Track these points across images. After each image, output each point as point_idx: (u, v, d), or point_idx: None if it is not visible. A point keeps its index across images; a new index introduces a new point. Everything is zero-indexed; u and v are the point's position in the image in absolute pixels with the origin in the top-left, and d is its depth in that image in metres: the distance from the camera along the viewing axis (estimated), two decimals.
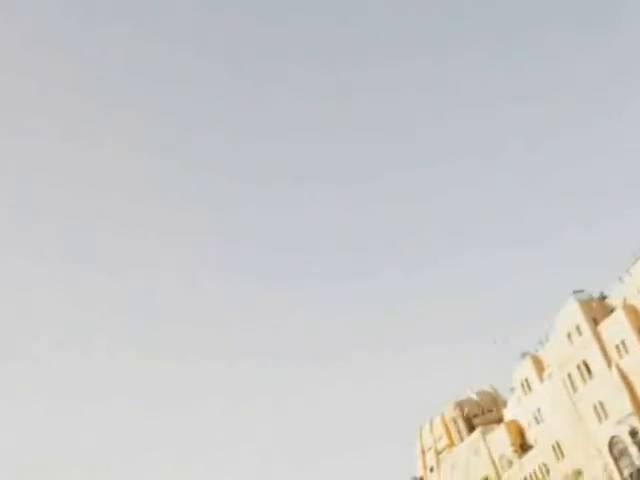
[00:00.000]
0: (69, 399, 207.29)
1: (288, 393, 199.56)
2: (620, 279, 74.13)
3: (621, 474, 70.30)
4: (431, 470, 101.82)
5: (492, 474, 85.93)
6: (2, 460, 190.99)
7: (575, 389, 74.75)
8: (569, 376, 75.39)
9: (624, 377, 69.30)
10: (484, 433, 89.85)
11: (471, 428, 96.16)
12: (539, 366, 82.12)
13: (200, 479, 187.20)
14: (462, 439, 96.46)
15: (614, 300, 74.18)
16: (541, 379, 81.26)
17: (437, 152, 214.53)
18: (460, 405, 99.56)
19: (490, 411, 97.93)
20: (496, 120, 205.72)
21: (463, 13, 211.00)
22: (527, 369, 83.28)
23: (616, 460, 70.87)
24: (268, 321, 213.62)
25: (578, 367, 74.13)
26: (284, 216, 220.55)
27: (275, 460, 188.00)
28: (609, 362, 70.83)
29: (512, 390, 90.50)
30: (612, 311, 72.48)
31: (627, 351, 69.25)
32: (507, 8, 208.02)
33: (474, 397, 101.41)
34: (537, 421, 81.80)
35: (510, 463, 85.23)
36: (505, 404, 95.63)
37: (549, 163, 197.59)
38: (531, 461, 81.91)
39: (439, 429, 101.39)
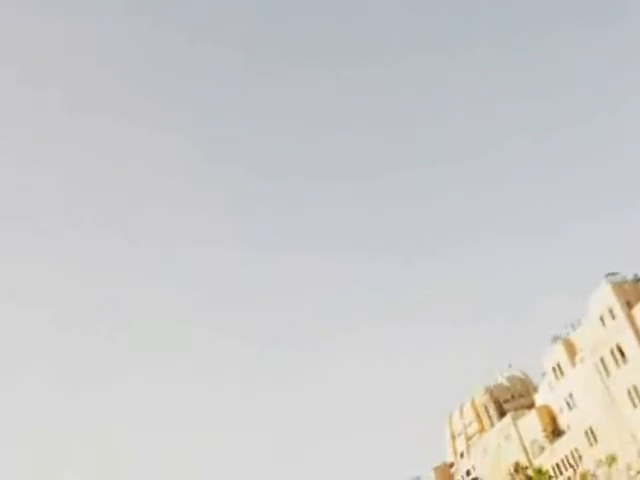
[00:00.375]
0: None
1: (311, 376, 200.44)
2: None
3: None
4: (461, 456, 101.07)
5: (523, 460, 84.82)
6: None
7: (608, 373, 73.18)
8: (602, 360, 73.82)
9: None
10: (515, 418, 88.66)
11: (502, 413, 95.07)
12: (571, 350, 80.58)
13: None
14: (493, 424, 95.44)
15: None
16: (573, 363, 79.75)
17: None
18: (490, 390, 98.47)
19: (521, 396, 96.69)
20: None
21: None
22: (559, 353, 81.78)
23: None
24: (287, 301, 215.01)
25: (611, 351, 72.52)
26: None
27: (299, 444, 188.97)
28: None
29: (543, 375, 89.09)
30: None
31: None
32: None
33: (504, 382, 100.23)
34: (569, 406, 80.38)
35: (542, 449, 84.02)
36: (536, 389, 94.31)
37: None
38: (563, 447, 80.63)
39: (469, 414, 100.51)
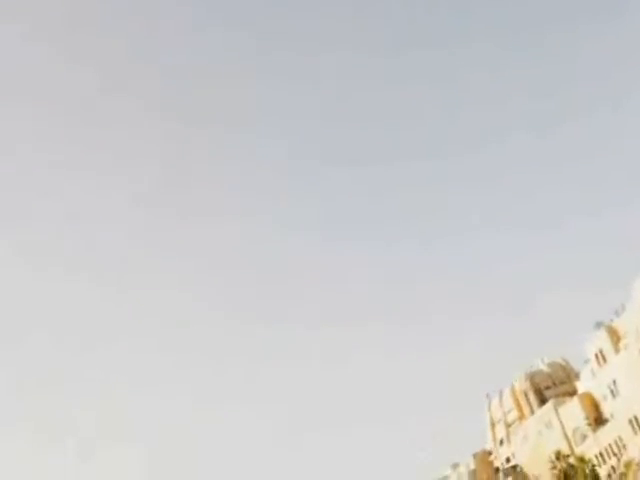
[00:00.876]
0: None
1: (354, 362, 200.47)
2: None
3: None
4: (501, 443, 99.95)
5: (565, 448, 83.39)
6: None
7: None
8: None
9: None
10: (556, 406, 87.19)
11: (542, 400, 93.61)
12: (614, 337, 78.86)
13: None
14: (533, 412, 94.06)
15: None
16: (617, 350, 78.02)
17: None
18: (531, 377, 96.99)
19: (562, 383, 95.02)
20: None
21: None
22: (602, 340, 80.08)
23: None
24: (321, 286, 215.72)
25: None
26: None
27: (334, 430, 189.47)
28: None
29: (585, 362, 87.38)
30: None
31: None
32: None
33: (545, 369, 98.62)
34: (613, 394, 78.73)
35: (584, 437, 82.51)
36: (577, 376, 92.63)
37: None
38: (607, 435, 79.05)
39: (509, 401, 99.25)
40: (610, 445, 78.39)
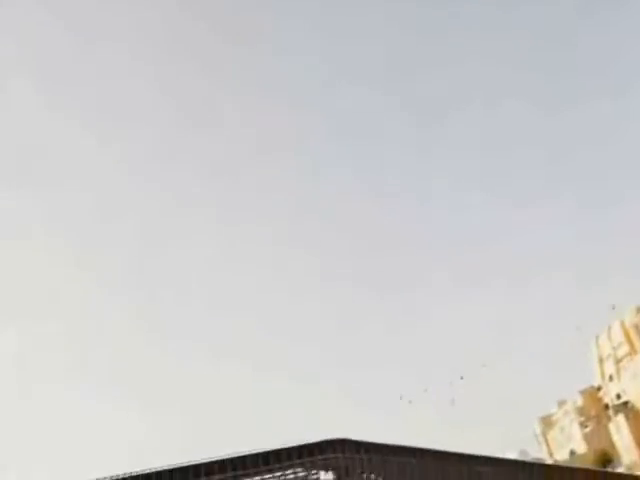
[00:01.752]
0: None
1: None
2: None
3: None
4: (610, 379, 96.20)
5: None
6: None
7: None
8: None
9: None
10: None
11: None
12: None
13: None
14: None
15: None
16: None
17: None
18: None
19: None
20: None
21: None
22: None
23: None
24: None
25: None
26: None
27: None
28: None
29: None
30: None
31: None
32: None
33: None
34: None
35: None
36: None
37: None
38: None
39: (618, 336, 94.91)
40: None
